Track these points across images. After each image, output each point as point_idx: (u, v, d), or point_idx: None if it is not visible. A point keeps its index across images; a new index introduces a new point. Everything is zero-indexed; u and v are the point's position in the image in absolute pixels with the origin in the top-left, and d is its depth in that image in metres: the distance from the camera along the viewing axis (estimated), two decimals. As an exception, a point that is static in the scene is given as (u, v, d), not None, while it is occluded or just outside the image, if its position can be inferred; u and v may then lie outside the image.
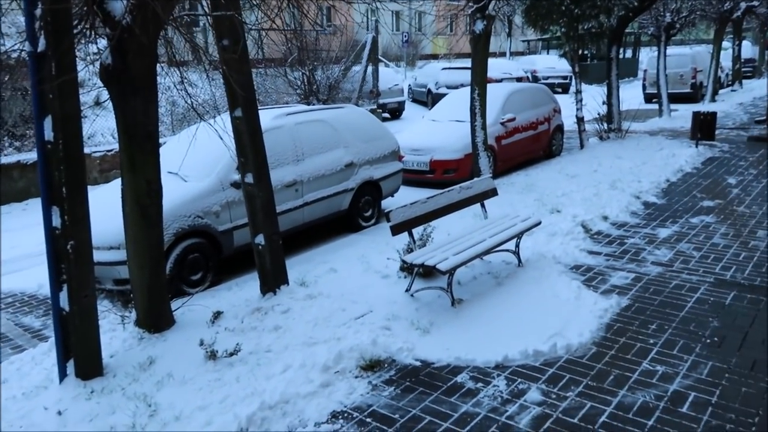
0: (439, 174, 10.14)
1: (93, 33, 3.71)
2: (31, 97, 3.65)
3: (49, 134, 3.70)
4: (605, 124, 13.63)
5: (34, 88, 3.63)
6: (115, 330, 4.79)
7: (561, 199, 8.24)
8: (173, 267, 5.92)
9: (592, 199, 8.22)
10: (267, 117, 7.03)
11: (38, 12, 3.44)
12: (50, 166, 3.76)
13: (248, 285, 5.83)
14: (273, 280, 5.38)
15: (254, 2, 5.35)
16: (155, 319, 4.71)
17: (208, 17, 4.30)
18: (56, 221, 3.87)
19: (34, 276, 6.39)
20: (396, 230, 5.10)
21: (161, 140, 9.95)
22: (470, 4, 8.50)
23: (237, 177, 6.13)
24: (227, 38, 4.36)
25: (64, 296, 4.00)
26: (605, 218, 7.46)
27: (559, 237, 6.67)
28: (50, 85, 3.51)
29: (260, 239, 5.27)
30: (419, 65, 31.17)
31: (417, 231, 5.59)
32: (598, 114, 13.72)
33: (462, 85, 16.16)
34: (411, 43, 32.32)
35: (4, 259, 7.29)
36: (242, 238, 6.37)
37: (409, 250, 5.38)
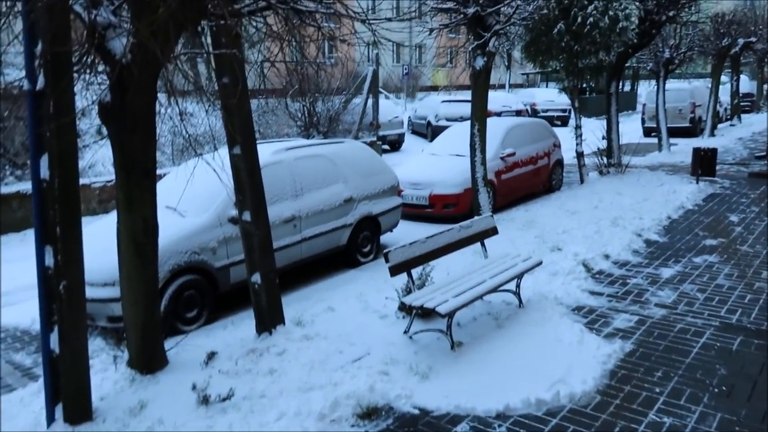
0: (438, 208, 10.08)
1: (92, 71, 3.68)
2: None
3: (45, 172, 3.66)
4: (605, 159, 13.65)
5: (31, 126, 3.59)
6: (107, 370, 4.67)
7: (562, 236, 8.17)
8: (168, 304, 5.81)
9: (593, 236, 8.15)
10: (266, 151, 6.99)
11: (38, 50, 3.42)
12: (45, 204, 3.70)
13: (244, 323, 5.71)
14: (269, 320, 5.27)
15: (255, 39, 5.35)
16: (148, 360, 4.59)
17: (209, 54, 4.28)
18: (49, 261, 3.79)
19: (28, 310, 6.25)
20: (394, 271, 5.02)
21: (162, 171, 9.94)
22: (471, 40, 8.55)
23: (235, 212, 6.05)
24: (227, 76, 4.34)
25: (54, 338, 3.90)
26: (607, 257, 7.38)
27: (560, 276, 6.57)
28: (49, 125, 3.47)
29: (256, 278, 5.17)
30: (419, 97, 31.42)
31: (416, 271, 5.50)
32: (598, 148, 13.75)
33: (462, 118, 16.25)
34: (411, 75, 32.63)
35: (6, 289, 7.18)
36: (239, 274, 6.27)
37: (408, 291, 5.28)
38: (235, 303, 6.52)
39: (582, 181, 12.62)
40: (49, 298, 3.81)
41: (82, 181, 11.31)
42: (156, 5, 2.79)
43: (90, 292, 5.54)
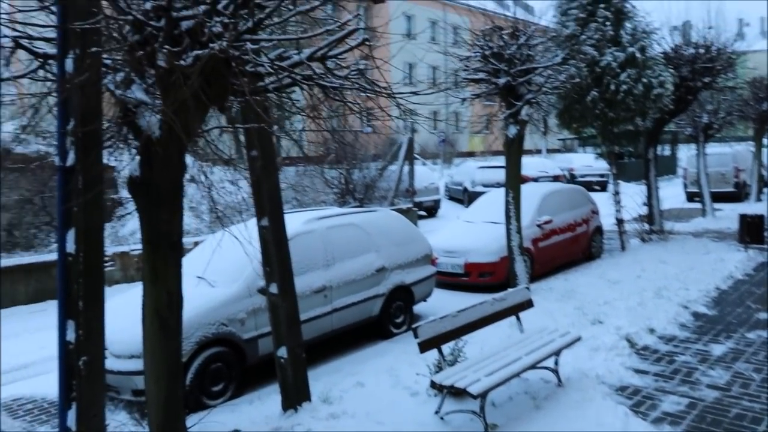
0: (474, 277, 9.85)
1: (126, 145, 3.75)
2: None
3: (71, 246, 3.67)
4: (647, 225, 13.25)
5: (60, 201, 3.63)
6: (126, 449, 4.53)
7: (603, 308, 7.81)
8: (194, 378, 5.69)
9: (636, 308, 7.76)
10: (298, 221, 7.00)
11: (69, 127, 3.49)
12: (69, 278, 3.70)
13: (270, 398, 5.53)
14: (295, 396, 5.09)
15: (291, 110, 5.41)
16: (168, 439, 4.42)
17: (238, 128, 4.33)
18: (71, 335, 3.74)
19: (56, 381, 6.23)
20: (424, 347, 4.80)
21: (199, 238, 10.04)
22: (503, 109, 8.57)
23: (264, 283, 6.01)
24: (256, 149, 4.36)
25: (72, 415, 3.80)
26: (652, 331, 6.97)
27: (602, 352, 6.22)
28: (78, 200, 3.51)
29: (282, 352, 5.04)
30: (456, 163, 31.62)
31: (448, 346, 5.27)
32: (639, 214, 13.39)
33: (498, 184, 16.17)
34: (447, 142, 33.02)
35: (29, 360, 7.21)
36: (268, 346, 6.12)
37: (439, 368, 5.04)
38: (264, 375, 6.35)
39: (623, 248, 12.23)
40: (68, 373, 3.74)
41: (122, 248, 11.63)
42: (181, 84, 2.83)
43: (116, 364, 5.54)
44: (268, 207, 4.64)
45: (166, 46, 2.90)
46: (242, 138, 4.63)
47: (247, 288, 6.26)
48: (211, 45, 2.79)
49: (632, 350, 6.41)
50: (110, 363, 5.37)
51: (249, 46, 2.99)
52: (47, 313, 9.45)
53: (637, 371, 5.87)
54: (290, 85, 3.33)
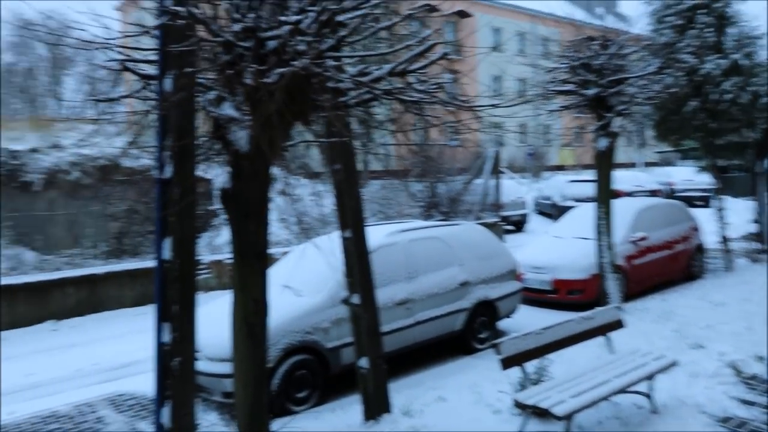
0: (562, 294, 9.51)
1: (215, 159, 3.96)
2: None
3: (167, 254, 3.91)
4: (756, 244, 12.28)
5: (158, 210, 3.88)
6: (215, 449, 4.72)
7: (704, 331, 7.29)
8: (280, 383, 5.86)
9: (743, 333, 7.18)
10: (381, 233, 7.07)
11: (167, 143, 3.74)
12: (166, 284, 3.94)
13: (352, 408, 5.59)
14: (375, 407, 5.12)
15: (373, 124, 5.50)
16: (253, 442, 4.58)
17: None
18: (166, 337, 3.98)
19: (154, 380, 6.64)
20: (506, 364, 4.68)
21: (287, 249, 10.38)
22: (593, 121, 8.27)
23: (347, 294, 6.11)
24: (339, 163, 4.47)
25: (166, 413, 4.03)
26: (761, 359, 6.42)
27: (702, 379, 5.79)
28: (174, 210, 3.74)
29: (364, 362, 5.09)
30: (545, 177, 30.82)
31: (532, 364, 5.11)
32: (747, 233, 12.44)
33: (589, 198, 15.56)
34: (536, 155, 32.25)
35: (133, 360, 7.71)
36: (350, 356, 6.21)
37: (523, 386, 4.90)
38: (348, 385, 6.43)
39: (729, 268, 11.38)
40: (164, 373, 3.97)
41: (217, 257, 12.22)
42: (266, 101, 2.97)
43: (208, 367, 5.81)
44: (351, 219, 4.73)
45: (253, 65, 3.06)
46: (324, 152, 4.77)
47: (331, 298, 6.39)
48: (292, 63, 2.90)
49: (738, 379, 5.91)
50: (203, 365, 5.67)
51: (330, 63, 3.09)
52: (148, 316, 10.11)
53: (744, 402, 5.41)
54: (371, 100, 3.40)
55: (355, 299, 5.02)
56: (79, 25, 3.66)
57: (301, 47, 3.06)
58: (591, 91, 7.77)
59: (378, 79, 3.33)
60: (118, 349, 8.42)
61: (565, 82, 8.05)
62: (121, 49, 3.81)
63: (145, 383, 6.74)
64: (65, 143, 12.92)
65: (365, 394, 5.19)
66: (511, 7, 39.41)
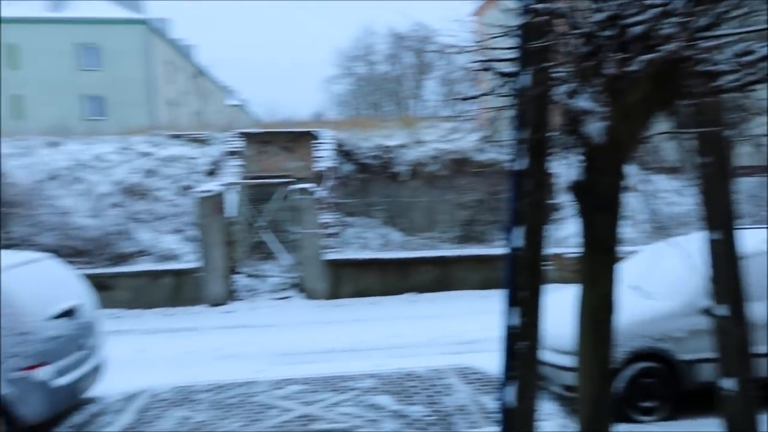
0: None
1: (565, 152, 3.98)
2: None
3: (518, 242, 4.10)
4: None
5: (512, 200, 4.10)
6: (554, 436, 4.80)
7: None
8: (625, 387, 5.60)
9: None
10: (755, 238, 6.06)
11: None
12: (516, 270, 4.14)
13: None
14: (742, 436, 4.47)
15: (752, 111, 4.75)
16: (595, 436, 4.50)
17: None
18: (513, 321, 4.20)
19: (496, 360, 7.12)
20: None
21: (633, 248, 9.79)
22: None
23: (708, 303, 5.45)
24: (709, 155, 4.00)
25: (511, 392, 4.26)
26: None
27: None
28: (527, 200, 3.91)
29: (729, 384, 4.48)
30: None
31: None
32: None
33: None
34: None
35: (477, 338, 8.33)
36: (709, 373, 5.53)
37: None
38: (703, 405, 5.76)
39: None
40: (510, 355, 4.20)
41: (557, 250, 12.30)
42: (629, 91, 2.84)
43: (551, 357, 5.90)
44: (721, 219, 4.20)
45: (616, 54, 2.96)
46: (688, 144, 4.31)
47: (688, 305, 5.77)
48: (659, 48, 2.70)
49: None
50: (545, 355, 5.77)
51: (704, 44, 2.77)
52: (490, 300, 10.80)
53: None
54: (753, 83, 2.94)
55: (722, 310, 4.45)
56: (441, 32, 4.08)
57: (669, 30, 2.83)
58: None
59: (764, 59, 2.86)
60: (465, 327, 9.22)
61: None
62: (481, 51, 4.12)
63: (488, 361, 7.25)
64: (427, 139, 14.63)
65: (729, 420, 4.58)
66: None
